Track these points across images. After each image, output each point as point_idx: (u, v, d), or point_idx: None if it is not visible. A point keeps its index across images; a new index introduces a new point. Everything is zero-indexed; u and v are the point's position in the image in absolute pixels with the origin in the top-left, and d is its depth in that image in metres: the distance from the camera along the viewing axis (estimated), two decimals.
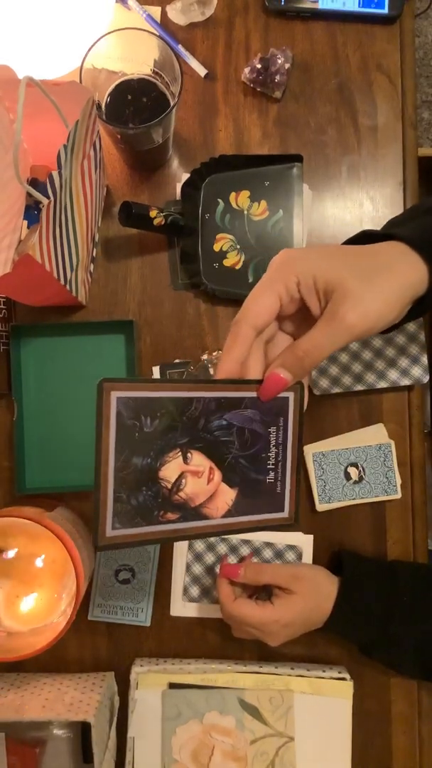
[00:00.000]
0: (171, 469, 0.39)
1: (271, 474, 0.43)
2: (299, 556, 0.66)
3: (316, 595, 0.59)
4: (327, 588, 0.59)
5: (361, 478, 0.66)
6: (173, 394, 0.38)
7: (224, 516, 0.42)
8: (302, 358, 0.40)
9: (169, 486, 0.40)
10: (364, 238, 0.45)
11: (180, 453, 0.40)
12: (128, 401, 0.37)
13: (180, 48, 0.68)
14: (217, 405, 0.40)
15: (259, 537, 0.66)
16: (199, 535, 0.42)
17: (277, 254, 0.41)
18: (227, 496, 0.42)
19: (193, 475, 0.40)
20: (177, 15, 0.68)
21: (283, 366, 0.40)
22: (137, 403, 0.37)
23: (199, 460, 0.41)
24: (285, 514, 0.44)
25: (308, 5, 0.68)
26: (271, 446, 0.43)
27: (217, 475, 0.41)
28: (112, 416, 0.37)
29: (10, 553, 0.61)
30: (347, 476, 0.66)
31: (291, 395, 0.43)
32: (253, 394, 0.41)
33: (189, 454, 0.40)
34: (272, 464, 0.43)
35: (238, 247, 0.67)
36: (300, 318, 0.42)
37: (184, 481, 0.40)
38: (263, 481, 0.43)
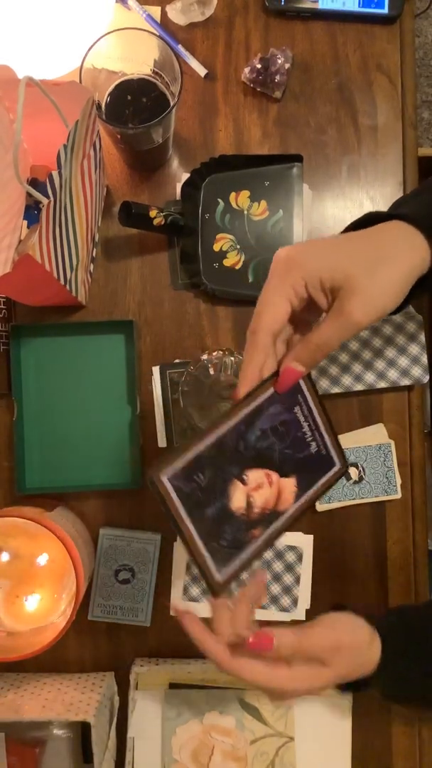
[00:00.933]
0: (238, 498, 0.42)
1: (313, 444, 0.46)
2: (299, 557, 0.66)
3: (352, 667, 0.46)
4: (366, 656, 0.47)
5: (361, 478, 0.66)
6: (208, 442, 0.41)
7: (296, 501, 0.45)
8: (314, 351, 0.41)
9: (244, 511, 0.43)
10: (369, 220, 0.45)
11: (238, 481, 0.42)
12: (177, 474, 0.39)
13: (180, 48, 0.68)
14: (246, 424, 0.42)
15: None
16: (286, 527, 0.45)
17: (278, 253, 0.41)
18: (290, 485, 0.45)
19: (256, 489, 0.43)
20: (177, 15, 0.68)
21: (297, 360, 0.42)
22: (184, 471, 0.40)
23: (254, 476, 0.43)
24: (337, 466, 0.48)
25: (308, 5, 0.68)
26: (302, 423, 0.45)
27: (274, 476, 0.44)
28: (173, 496, 0.39)
29: (10, 553, 0.61)
30: (347, 476, 0.66)
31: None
32: (269, 392, 0.43)
33: (245, 477, 0.43)
34: (310, 436, 0.46)
35: (238, 247, 0.67)
36: (305, 309, 0.43)
37: (252, 500, 0.43)
38: (310, 454, 0.46)
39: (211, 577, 0.41)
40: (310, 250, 0.41)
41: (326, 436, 0.46)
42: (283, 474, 0.44)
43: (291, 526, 0.45)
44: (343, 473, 0.48)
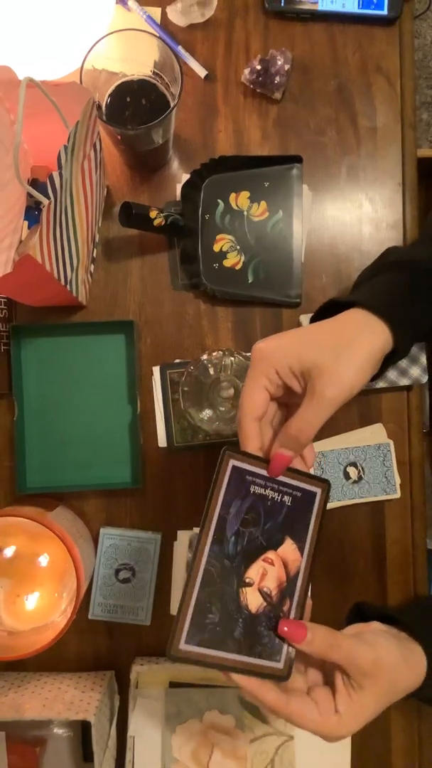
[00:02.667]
0: (253, 601, 0.43)
1: (285, 498, 0.46)
2: None
3: (392, 693, 0.45)
4: (407, 680, 0.45)
5: (360, 478, 0.67)
6: (197, 587, 0.41)
7: (303, 553, 0.46)
8: (296, 436, 0.44)
9: (266, 604, 0.43)
10: (331, 307, 0.49)
11: (244, 588, 0.43)
12: (191, 633, 0.40)
13: (180, 49, 0.68)
14: (217, 544, 0.43)
15: None
16: (308, 578, 0.45)
17: (254, 347, 0.45)
18: (289, 548, 0.45)
19: (263, 579, 0.44)
20: (177, 16, 0.68)
21: (283, 446, 0.44)
22: (194, 626, 0.40)
23: (254, 571, 0.44)
24: (318, 491, 0.47)
25: (308, 7, 0.68)
26: (264, 492, 0.45)
27: (270, 554, 0.44)
28: (201, 651, 0.41)
29: (11, 552, 0.62)
30: (346, 476, 0.67)
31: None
32: (220, 499, 0.43)
33: (247, 580, 0.43)
34: (277, 496, 0.45)
35: (238, 247, 0.67)
36: (288, 394, 0.46)
37: (266, 590, 0.44)
38: (288, 508, 0.45)
39: (272, 675, 0.42)
40: (279, 342, 0.45)
41: (290, 481, 0.46)
42: (277, 545, 0.44)
43: (312, 571, 0.45)
44: (328, 490, 0.47)
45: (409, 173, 0.69)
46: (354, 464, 0.67)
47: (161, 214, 0.63)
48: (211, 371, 0.61)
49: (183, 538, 0.66)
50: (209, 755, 0.62)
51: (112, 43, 0.56)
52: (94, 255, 0.67)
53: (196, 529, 0.66)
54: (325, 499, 0.47)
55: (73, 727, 0.61)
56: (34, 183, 0.63)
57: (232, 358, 0.61)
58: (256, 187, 0.67)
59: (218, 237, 0.67)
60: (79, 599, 0.56)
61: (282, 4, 0.68)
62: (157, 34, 0.67)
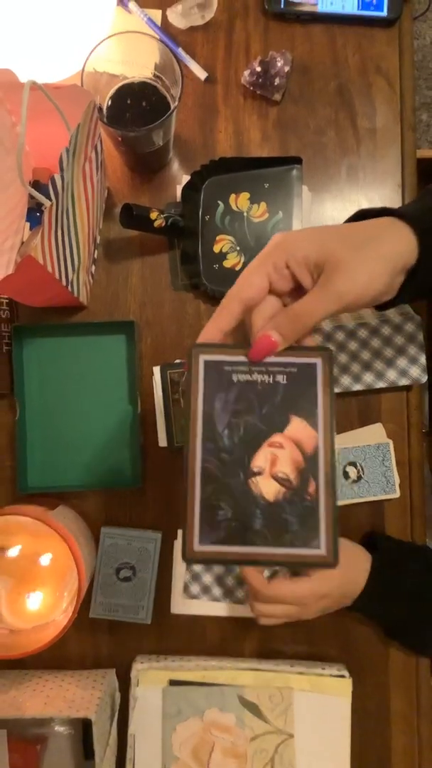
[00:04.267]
0: (268, 489, 0.41)
1: (279, 376, 0.42)
2: None
3: (353, 568, 0.57)
4: (363, 564, 0.58)
5: (359, 478, 0.67)
6: (198, 486, 0.40)
7: (317, 428, 0.42)
8: (294, 321, 0.41)
9: (286, 491, 0.41)
10: (361, 216, 0.47)
11: (254, 478, 0.41)
12: (203, 532, 0.40)
13: (180, 51, 0.68)
14: (211, 440, 0.41)
15: None
16: (331, 451, 0.42)
17: (273, 237, 0.43)
18: (298, 426, 0.42)
19: (275, 465, 0.41)
20: (177, 18, 0.68)
21: (275, 328, 0.42)
22: (205, 526, 0.40)
23: (260, 459, 0.42)
24: (318, 359, 0.43)
25: (307, 8, 0.68)
26: (252, 377, 0.42)
27: (277, 437, 0.42)
28: (218, 556, 0.40)
29: (12, 551, 0.62)
30: (346, 475, 0.67)
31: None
32: (200, 392, 0.41)
33: (255, 470, 0.41)
34: (267, 377, 0.42)
35: (238, 248, 0.68)
36: (294, 291, 0.44)
37: (281, 475, 0.41)
38: (286, 386, 0.42)
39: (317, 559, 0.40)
40: (300, 233, 0.43)
41: (280, 359, 0.42)
42: (282, 426, 0.41)
43: (333, 441, 0.41)
44: (330, 357, 0.43)
45: (409, 174, 0.69)
46: (353, 464, 0.67)
47: (162, 215, 0.63)
48: None
49: None
50: (209, 753, 0.62)
51: (112, 46, 0.56)
52: (95, 256, 0.67)
53: None
54: (330, 367, 0.43)
55: (74, 725, 0.61)
56: (35, 185, 0.64)
57: None
58: (256, 188, 0.68)
59: (218, 238, 0.68)
60: (81, 598, 0.56)
61: (282, 6, 0.68)
62: (158, 37, 0.67)
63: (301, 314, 0.41)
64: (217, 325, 0.42)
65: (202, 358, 0.41)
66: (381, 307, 0.47)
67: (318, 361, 0.43)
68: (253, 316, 0.43)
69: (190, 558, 0.38)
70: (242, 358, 0.42)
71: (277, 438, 0.41)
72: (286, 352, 0.42)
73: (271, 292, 0.43)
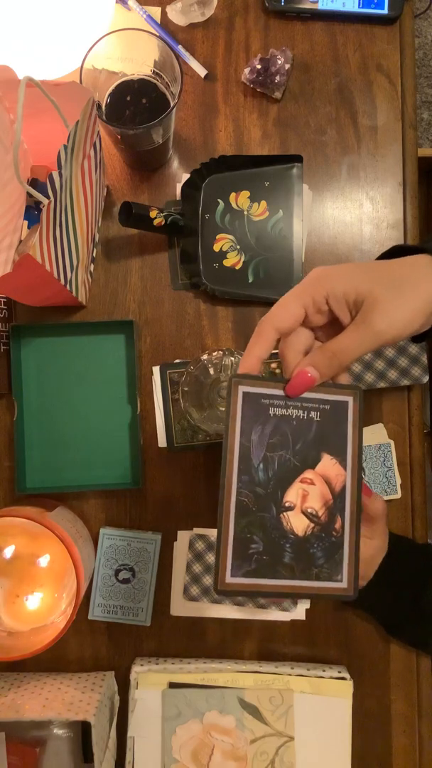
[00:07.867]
0: (298, 524, 0.42)
1: (312, 413, 0.43)
2: None
3: (380, 558, 0.59)
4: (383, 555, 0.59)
5: None
6: (233, 518, 0.41)
7: (346, 466, 0.43)
8: (331, 358, 0.42)
9: (314, 525, 0.43)
10: (397, 252, 0.47)
11: (286, 513, 0.42)
12: (235, 566, 0.40)
13: (180, 48, 0.68)
14: (246, 473, 0.41)
15: None
16: (358, 491, 0.44)
17: (312, 270, 0.43)
18: (328, 464, 0.43)
19: (305, 500, 0.43)
20: (177, 15, 0.68)
21: (312, 364, 0.42)
22: (237, 558, 0.40)
23: (292, 494, 0.43)
24: (350, 397, 0.44)
25: (308, 6, 0.68)
26: (288, 412, 0.43)
27: (308, 473, 0.43)
28: (248, 581, 0.40)
29: (10, 552, 0.61)
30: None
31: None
32: (238, 432, 0.42)
33: (287, 504, 0.42)
34: (302, 413, 0.43)
35: (238, 247, 0.67)
36: (334, 332, 0.44)
37: (311, 510, 0.43)
38: (318, 423, 0.43)
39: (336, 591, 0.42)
40: (340, 268, 0.43)
41: (314, 395, 0.43)
42: (314, 463, 0.42)
43: (360, 480, 0.43)
44: (361, 395, 0.44)
45: (410, 172, 0.69)
46: None
47: (161, 214, 0.63)
48: (211, 371, 0.61)
49: (183, 538, 0.66)
50: (209, 756, 0.62)
51: (112, 43, 0.56)
52: (94, 255, 0.67)
53: (197, 529, 0.65)
54: (360, 405, 0.44)
55: (73, 727, 0.61)
56: (33, 182, 0.63)
57: (232, 358, 0.61)
58: (256, 187, 0.67)
59: (218, 237, 0.67)
60: (79, 600, 0.56)
61: (282, 3, 0.68)
62: (157, 34, 0.66)
63: (338, 352, 0.41)
64: (257, 353, 0.42)
65: (242, 389, 0.42)
66: (417, 338, 0.48)
67: (350, 399, 0.44)
68: (284, 348, 0.44)
69: (222, 590, 0.39)
70: (279, 392, 0.42)
71: (308, 474, 0.42)
72: (320, 387, 0.43)
73: (302, 324, 0.44)
